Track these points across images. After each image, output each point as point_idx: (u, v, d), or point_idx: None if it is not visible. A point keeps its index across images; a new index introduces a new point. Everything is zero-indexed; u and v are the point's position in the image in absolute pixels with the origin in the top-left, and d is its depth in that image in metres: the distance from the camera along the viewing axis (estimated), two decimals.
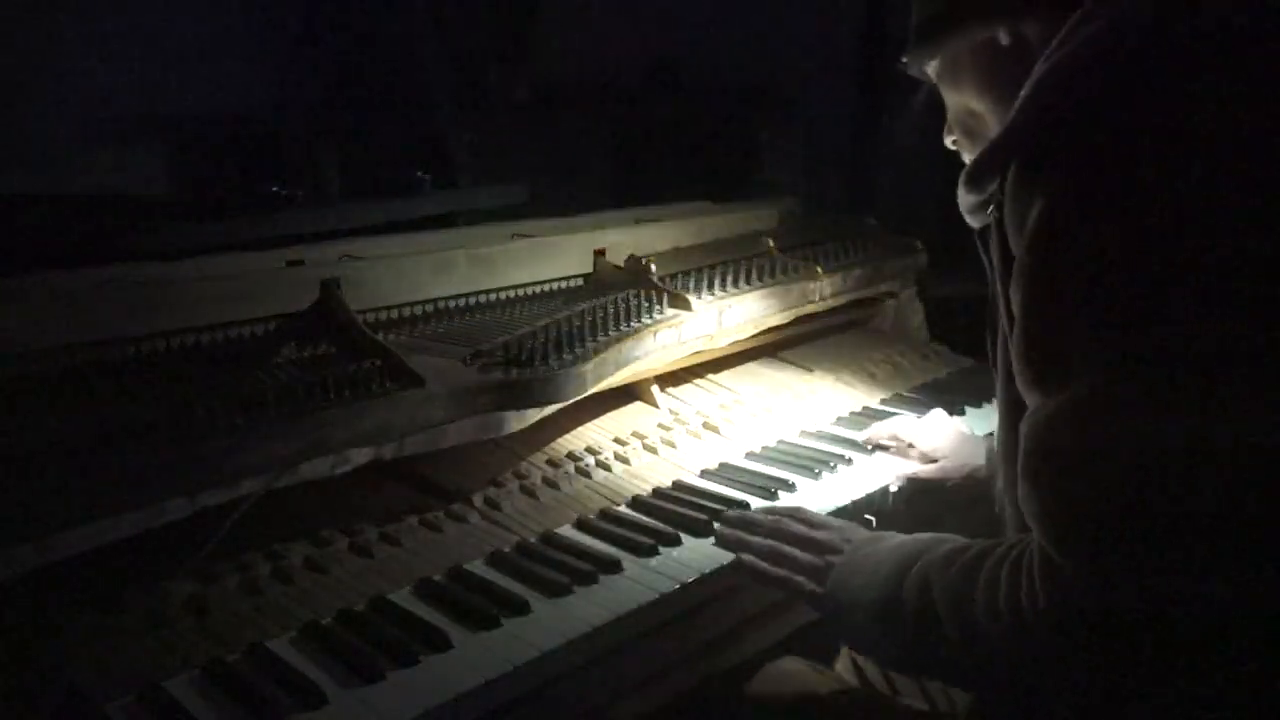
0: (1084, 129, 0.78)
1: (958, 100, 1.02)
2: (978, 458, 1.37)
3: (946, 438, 1.43)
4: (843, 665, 1.26)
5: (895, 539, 1.03)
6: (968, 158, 1.03)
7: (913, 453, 1.44)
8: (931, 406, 1.53)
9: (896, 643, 0.95)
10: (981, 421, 1.59)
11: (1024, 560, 0.81)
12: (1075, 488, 0.74)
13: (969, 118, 1.02)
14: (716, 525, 1.19)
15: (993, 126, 0.98)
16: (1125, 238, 0.74)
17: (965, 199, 0.93)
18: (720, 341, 1.61)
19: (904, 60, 1.06)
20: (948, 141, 1.08)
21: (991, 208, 0.91)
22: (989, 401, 1.70)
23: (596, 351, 1.33)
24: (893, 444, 1.47)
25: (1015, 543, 0.85)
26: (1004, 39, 0.93)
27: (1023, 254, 0.81)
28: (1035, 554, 0.79)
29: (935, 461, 1.41)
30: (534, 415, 1.26)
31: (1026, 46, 0.92)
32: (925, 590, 0.91)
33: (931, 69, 1.04)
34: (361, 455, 1.11)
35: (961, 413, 1.65)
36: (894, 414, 1.58)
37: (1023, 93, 0.84)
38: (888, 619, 0.95)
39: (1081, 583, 0.75)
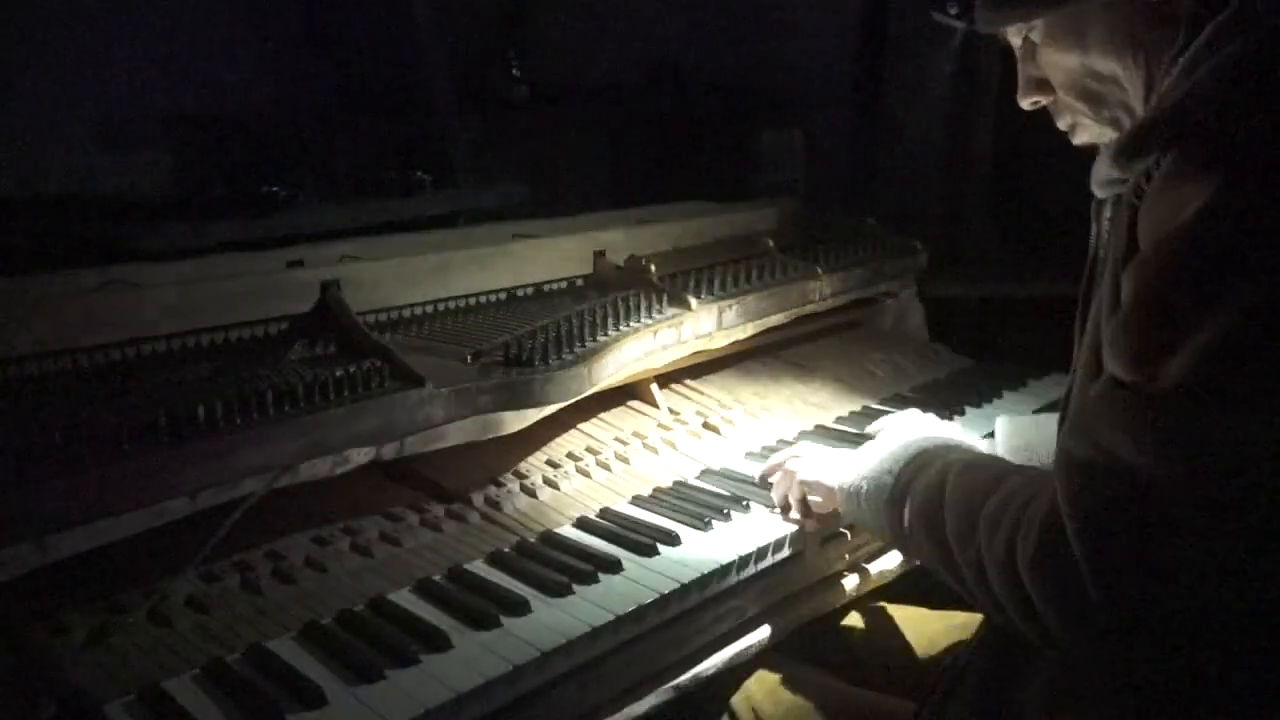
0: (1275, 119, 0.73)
1: (1077, 60, 0.92)
2: None
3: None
4: (828, 669, 1.26)
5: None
6: (1081, 121, 0.97)
7: None
8: (931, 407, 1.51)
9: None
10: (981, 422, 1.59)
11: (1032, 508, 0.81)
12: (1130, 475, 0.72)
13: (1092, 80, 0.93)
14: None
15: (1133, 91, 0.91)
16: None
17: (1107, 172, 0.88)
18: (720, 341, 1.61)
19: (986, 15, 0.95)
20: (1026, 103, 1.00)
21: (1129, 180, 0.85)
22: (989, 402, 1.71)
23: (596, 351, 1.33)
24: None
25: (1040, 488, 0.83)
26: None
27: (1169, 235, 0.75)
28: (1045, 510, 0.78)
29: None
30: (534, 415, 1.26)
31: (1178, 3, 0.85)
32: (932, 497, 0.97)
33: (1022, 28, 0.96)
34: (361, 455, 1.11)
35: (961, 413, 1.64)
36: (892, 414, 1.57)
37: (1201, 68, 0.78)
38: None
39: (1087, 566, 0.73)
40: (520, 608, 1.03)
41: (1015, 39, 0.98)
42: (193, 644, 0.97)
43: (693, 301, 1.52)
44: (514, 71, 3.34)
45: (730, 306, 1.58)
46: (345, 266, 1.39)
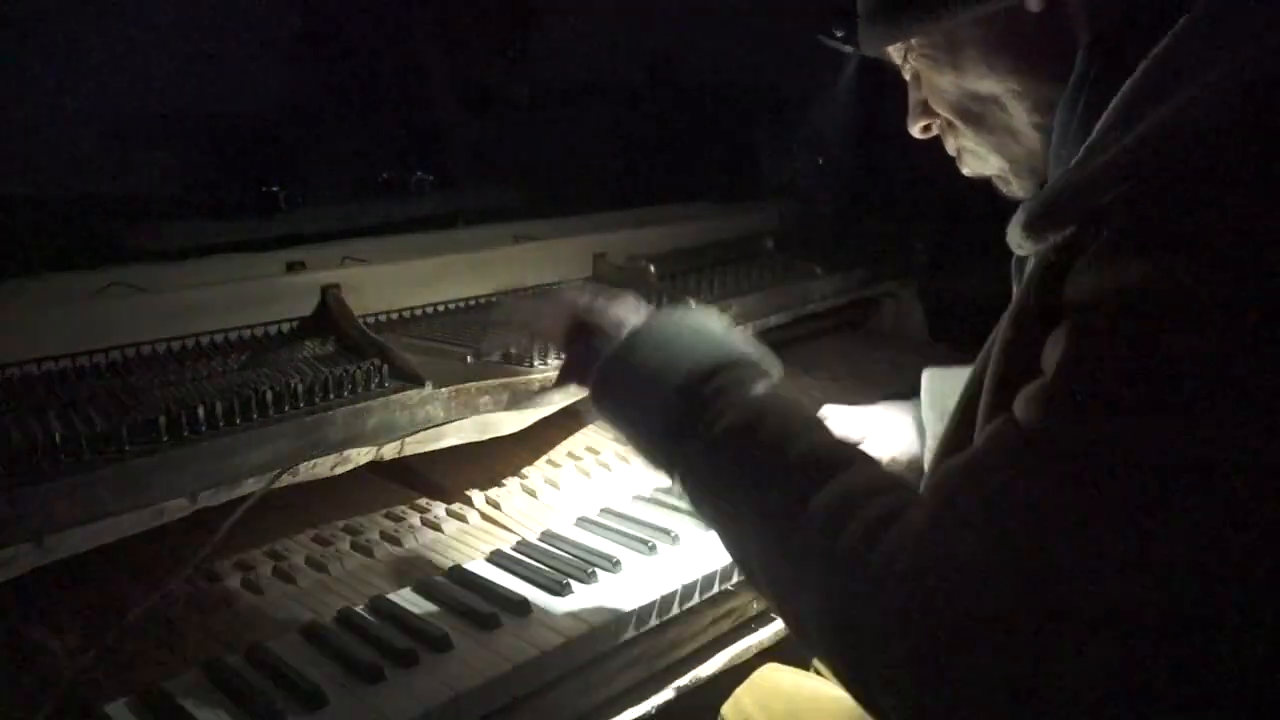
0: (1225, 200, 0.62)
1: (951, 82, 0.86)
2: (914, 441, 1.28)
3: (883, 425, 1.32)
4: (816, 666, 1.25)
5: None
6: (965, 145, 0.91)
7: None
8: None
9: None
10: None
11: (901, 521, 0.68)
12: (988, 550, 0.62)
13: (972, 102, 0.86)
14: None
15: (1015, 114, 0.84)
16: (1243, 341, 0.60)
17: (1020, 240, 0.76)
18: None
19: (857, 41, 0.89)
20: (916, 129, 0.93)
21: (1047, 247, 0.74)
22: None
23: None
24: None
25: (899, 501, 0.71)
26: (1035, 5, 0.77)
27: (1097, 314, 0.66)
28: (914, 525, 0.67)
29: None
30: (534, 415, 1.26)
31: (1062, 15, 0.78)
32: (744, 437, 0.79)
33: (900, 50, 0.89)
34: (361, 455, 1.11)
35: None
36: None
37: (1142, 122, 0.67)
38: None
39: (947, 605, 0.63)
40: (520, 608, 1.03)
41: (899, 60, 0.91)
42: (193, 644, 0.97)
43: (693, 302, 1.52)
44: (514, 71, 3.34)
45: (730, 306, 1.58)
46: (345, 270, 1.40)
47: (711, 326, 0.90)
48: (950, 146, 0.93)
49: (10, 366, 1.10)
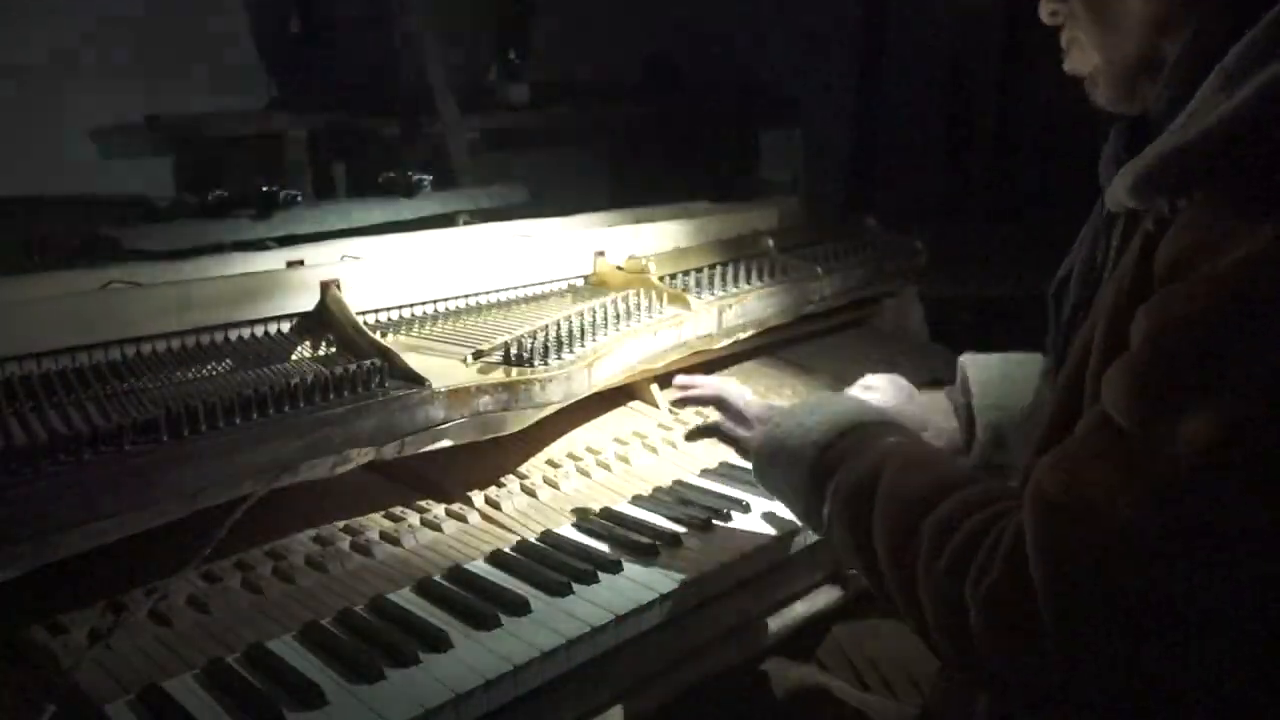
0: None
1: None
2: (950, 418, 1.27)
3: (913, 400, 1.31)
4: (816, 666, 1.26)
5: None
6: (1077, 38, 0.90)
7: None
8: None
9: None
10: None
11: (994, 537, 0.74)
12: (1114, 531, 0.65)
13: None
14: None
15: (1135, 8, 0.83)
16: None
17: (1125, 199, 0.78)
18: (720, 341, 1.60)
19: None
20: (1044, 12, 0.93)
21: (1149, 219, 0.75)
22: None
23: (596, 352, 1.33)
24: None
25: (1003, 509, 0.77)
26: None
27: (1202, 281, 0.66)
28: (1012, 534, 0.71)
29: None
30: (534, 415, 1.26)
31: None
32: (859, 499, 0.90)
33: None
34: (361, 455, 1.11)
35: None
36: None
37: (1246, 83, 0.67)
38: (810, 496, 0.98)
39: (1055, 623, 0.67)
40: (520, 608, 1.03)
41: None
42: (193, 644, 0.97)
43: (693, 301, 1.53)
44: (514, 71, 3.34)
45: (730, 306, 1.58)
46: (345, 266, 1.39)
47: (839, 401, 1.05)
48: (1064, 38, 0.93)
49: (10, 365, 1.10)
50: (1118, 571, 0.65)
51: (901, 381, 1.33)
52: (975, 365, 1.26)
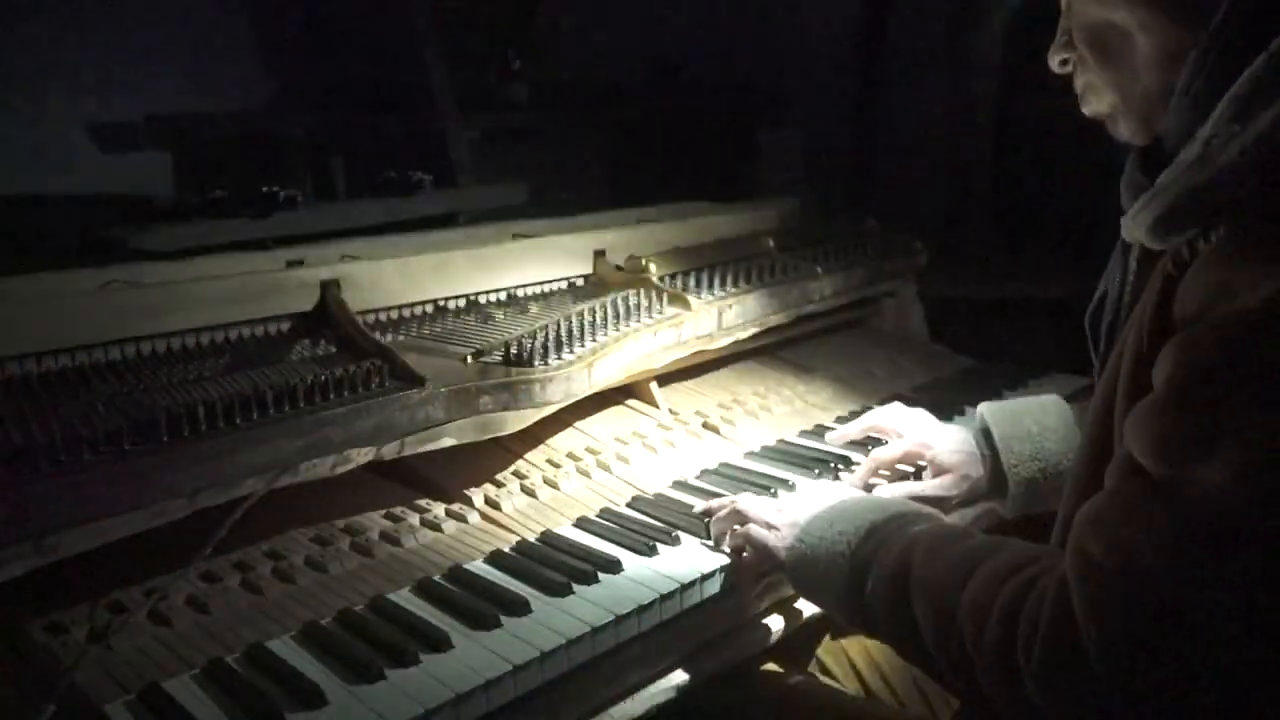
0: None
1: (1094, 6, 0.87)
2: (976, 466, 1.26)
3: (944, 436, 1.31)
4: (816, 668, 1.25)
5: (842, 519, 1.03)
6: (1091, 83, 0.91)
7: (900, 445, 1.32)
8: (931, 407, 1.49)
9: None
10: None
11: (1033, 604, 0.75)
12: (1152, 585, 0.66)
13: (1105, 30, 0.87)
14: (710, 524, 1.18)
15: (1143, 48, 0.84)
16: None
17: (1144, 238, 0.79)
18: (720, 341, 1.61)
19: None
20: (1055, 61, 0.94)
21: (1166, 259, 0.76)
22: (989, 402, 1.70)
23: (596, 352, 1.33)
24: (873, 438, 1.41)
25: (1033, 574, 0.79)
26: None
27: (1222, 321, 0.67)
28: (1053, 601, 0.73)
29: (922, 455, 1.31)
30: (534, 415, 1.26)
31: None
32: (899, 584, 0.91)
33: None
34: (361, 455, 1.11)
35: (961, 413, 1.64)
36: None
37: (1263, 115, 0.68)
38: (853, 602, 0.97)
39: (1102, 667, 0.69)
40: (520, 608, 1.03)
41: None
42: (193, 644, 0.97)
43: (693, 301, 1.52)
44: (514, 72, 3.34)
45: (730, 306, 1.58)
46: (345, 266, 1.39)
47: (856, 506, 1.05)
48: (1078, 84, 0.94)
49: (10, 364, 1.10)
50: (1168, 629, 0.66)
51: (923, 419, 1.36)
52: (995, 419, 1.25)
